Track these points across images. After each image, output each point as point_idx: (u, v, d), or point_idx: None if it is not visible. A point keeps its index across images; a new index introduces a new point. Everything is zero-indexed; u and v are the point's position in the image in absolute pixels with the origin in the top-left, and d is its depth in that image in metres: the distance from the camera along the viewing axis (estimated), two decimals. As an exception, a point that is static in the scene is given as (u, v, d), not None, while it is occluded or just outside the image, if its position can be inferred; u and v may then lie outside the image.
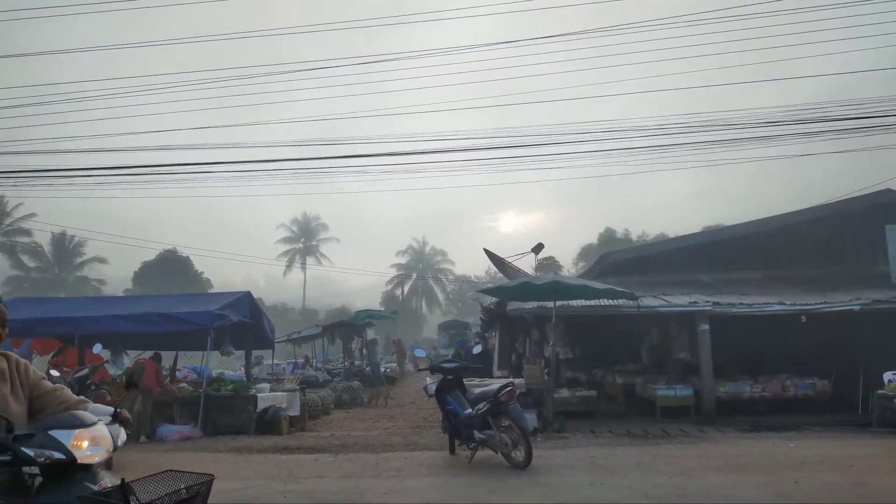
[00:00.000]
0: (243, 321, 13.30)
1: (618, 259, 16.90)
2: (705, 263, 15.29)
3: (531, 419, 10.25)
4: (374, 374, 20.82)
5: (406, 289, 63.00)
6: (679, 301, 12.26)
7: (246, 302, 13.72)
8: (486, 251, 17.18)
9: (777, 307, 11.69)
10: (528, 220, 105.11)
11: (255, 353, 18.06)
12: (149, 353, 12.67)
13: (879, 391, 10.37)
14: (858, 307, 11.38)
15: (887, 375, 10.60)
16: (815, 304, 11.61)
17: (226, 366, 24.81)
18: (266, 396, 12.11)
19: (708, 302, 11.94)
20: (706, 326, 11.75)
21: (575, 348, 15.42)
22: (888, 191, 14.68)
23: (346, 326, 22.65)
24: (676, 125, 14.55)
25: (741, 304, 11.90)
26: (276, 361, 21.19)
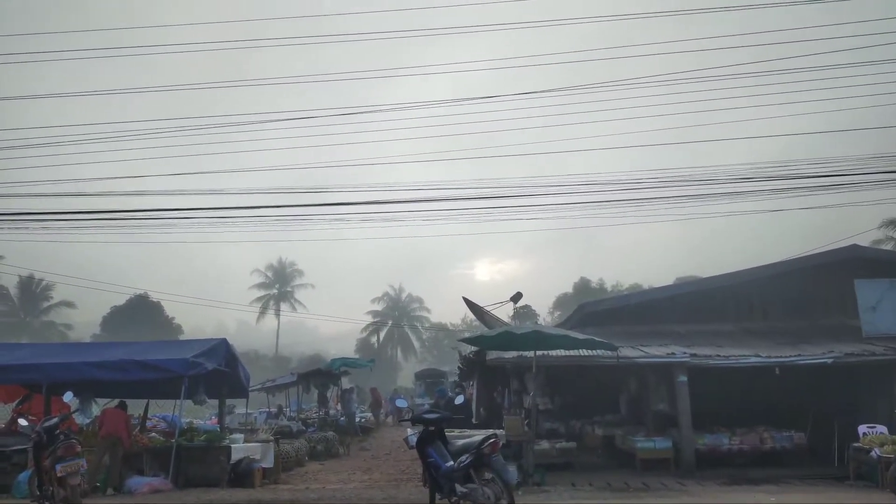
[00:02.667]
0: (218, 369, 13.04)
1: (596, 309, 17.03)
2: (681, 315, 15.48)
3: (511, 473, 10.14)
4: (349, 424, 20.46)
5: (381, 336, 62.45)
6: (657, 352, 12.37)
7: (221, 349, 13.47)
8: (466, 300, 17.22)
9: (753, 359, 11.86)
10: (503, 269, 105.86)
11: (227, 402, 17.64)
12: (115, 402, 12.31)
13: (855, 444, 10.49)
14: (831, 360, 11.60)
15: (862, 429, 10.75)
16: (790, 356, 11.81)
17: (195, 414, 24.12)
18: (240, 447, 11.79)
19: (686, 353, 12.07)
20: (684, 378, 11.85)
21: (554, 399, 15.33)
22: (855, 246, 15.16)
23: (321, 375, 22.29)
24: (651, 179, 14.95)
25: (718, 355, 12.05)
26: (248, 410, 20.70)
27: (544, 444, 12.19)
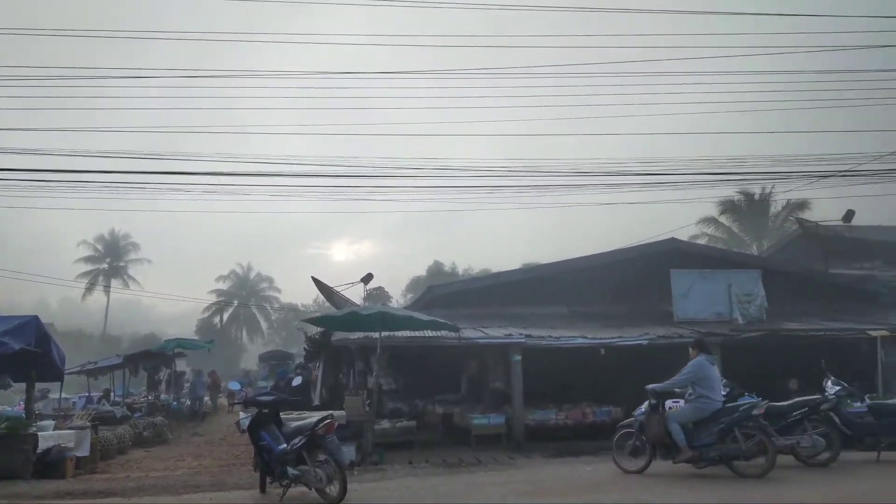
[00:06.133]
0: (27, 349, 11.67)
1: (443, 292, 17.43)
2: (521, 298, 16.27)
3: (349, 452, 10.10)
4: (193, 408, 19.50)
5: (225, 317, 59.45)
6: (496, 333, 12.92)
7: (31, 327, 12.03)
8: (314, 279, 16.84)
9: (580, 340, 12.76)
10: (361, 249, 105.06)
11: (40, 386, 15.92)
12: None
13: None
14: (647, 341, 12.78)
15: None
16: (612, 338, 12.83)
17: (4, 400, 21.55)
18: (49, 435, 10.66)
19: (521, 334, 12.71)
20: (519, 357, 12.48)
21: (398, 379, 15.53)
22: (673, 239, 16.79)
23: (152, 357, 20.80)
24: (502, 168, 15.48)
25: (550, 336, 12.82)
26: (65, 395, 18.82)
27: (385, 424, 12.29)
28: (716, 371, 8.83)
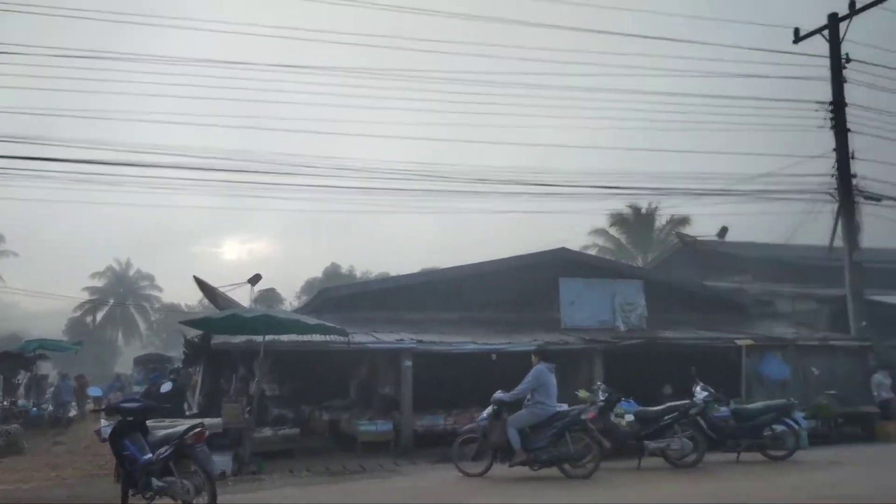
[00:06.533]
0: None
1: (336, 295, 17.02)
2: (416, 303, 16.17)
3: (224, 462, 9.59)
4: (59, 415, 17.94)
5: (100, 316, 55.36)
6: (387, 338, 12.74)
7: None
8: (196, 279, 15.94)
9: (471, 346, 12.83)
10: (254, 249, 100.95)
11: None
12: None
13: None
14: (534, 347, 12.99)
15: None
16: (502, 343, 13.00)
17: None
18: None
19: (413, 340, 12.61)
20: (409, 363, 12.37)
21: (283, 385, 14.98)
22: (563, 249, 17.28)
23: (10, 358, 18.92)
24: (401, 171, 15.35)
25: (442, 342, 12.80)
26: None
27: (267, 432, 11.77)
28: (553, 378, 9.26)
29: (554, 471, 8.96)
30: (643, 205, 35.15)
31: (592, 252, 34.46)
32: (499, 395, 9.27)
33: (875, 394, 14.19)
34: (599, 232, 36.86)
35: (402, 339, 12.61)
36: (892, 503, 7.47)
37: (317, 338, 12.06)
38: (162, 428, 8.07)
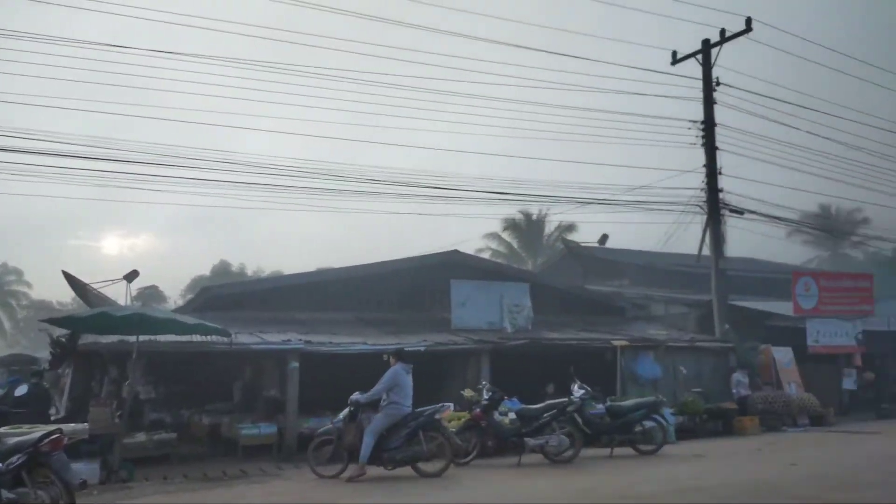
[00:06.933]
0: None
1: (221, 293, 16.41)
2: (305, 303, 15.88)
3: (91, 470, 9.00)
4: None
5: (-46, 313, 50.19)
6: (273, 339, 12.42)
7: None
8: (65, 274, 14.84)
9: (361, 346, 12.76)
10: (136, 244, 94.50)
11: None
12: None
13: (432, 421, 12.00)
14: (424, 347, 13.16)
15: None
16: (392, 344, 12.97)
17: None
18: None
19: (300, 340, 12.36)
20: (296, 364, 12.11)
21: (159, 388, 14.20)
22: (456, 251, 17.57)
23: None
24: (292, 168, 14.98)
25: (330, 342, 12.64)
26: None
27: (140, 437, 11.11)
28: (409, 379, 9.44)
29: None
30: (534, 211, 36.39)
31: (486, 255, 35.26)
32: (356, 396, 9.33)
33: (734, 391, 15.45)
34: (493, 236, 37.77)
35: (288, 340, 12.34)
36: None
37: (197, 338, 11.54)
38: (17, 435, 7.45)
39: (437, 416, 9.33)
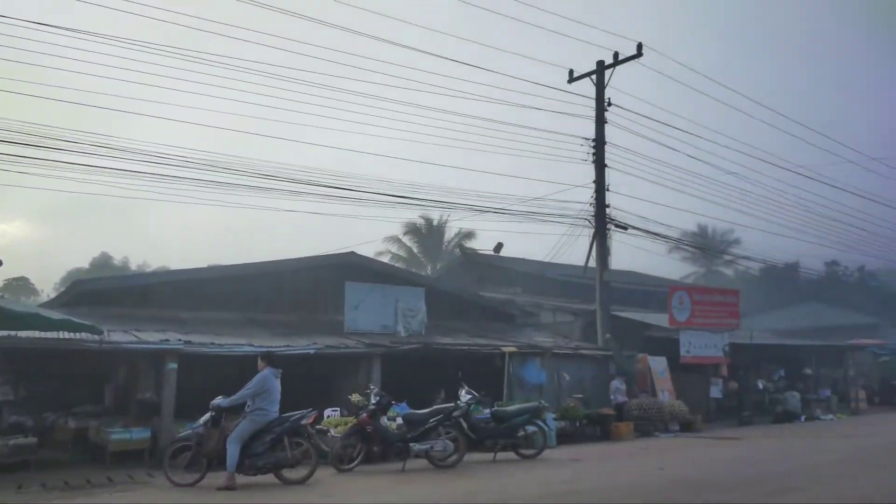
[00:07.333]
0: None
1: (94, 288, 15.36)
2: (189, 302, 15.15)
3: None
4: None
5: None
6: (150, 338, 11.74)
7: None
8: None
9: (247, 348, 12.29)
10: (9, 231, 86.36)
11: None
12: None
13: (317, 426, 11.76)
14: (314, 350, 12.90)
15: (327, 412, 12.17)
16: (280, 346, 12.64)
17: None
18: None
19: (180, 340, 11.76)
20: (174, 365, 11.52)
21: (20, 388, 13.03)
22: (352, 253, 17.38)
23: None
24: (179, 157, 14.23)
25: (213, 343, 12.10)
26: None
27: (-8, 442, 10.15)
28: (278, 384, 9.25)
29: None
30: (435, 217, 36.73)
31: (386, 258, 35.18)
32: (218, 400, 9.01)
33: (612, 397, 16.26)
34: (393, 239, 37.74)
35: (167, 340, 11.70)
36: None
37: (65, 335, 10.73)
38: None
39: (303, 422, 9.09)
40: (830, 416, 19.95)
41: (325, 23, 17.21)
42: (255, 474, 8.84)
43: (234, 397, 8.97)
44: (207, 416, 9.02)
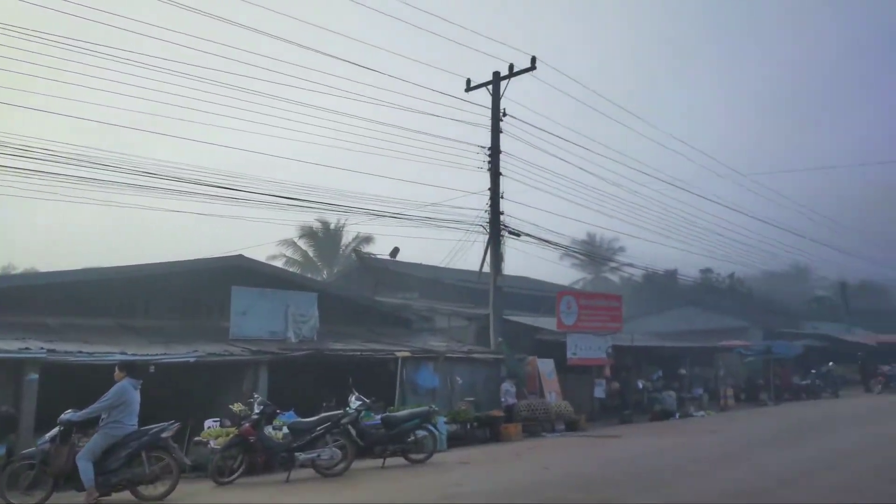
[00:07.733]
0: None
1: (-56, 291, 13.81)
2: (60, 307, 13.97)
3: None
4: None
5: None
6: (7, 346, 10.72)
7: None
8: None
9: (118, 356, 11.44)
10: None
11: None
12: None
13: (197, 437, 11.20)
14: (194, 358, 12.26)
15: (208, 423, 11.59)
16: (157, 354, 11.93)
17: None
18: None
19: (42, 349, 10.82)
20: (35, 376, 10.59)
21: None
22: (240, 256, 16.70)
23: None
24: (54, 153, 13.12)
25: (81, 352, 11.23)
26: None
27: None
28: (138, 396, 8.76)
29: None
30: (332, 220, 36.09)
31: (280, 262, 34.17)
32: (67, 415, 8.38)
33: (503, 400, 16.60)
34: (288, 243, 36.71)
35: (27, 348, 10.73)
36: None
37: None
38: None
39: (164, 435, 8.54)
40: (702, 413, 21.37)
41: (221, 18, 16.44)
42: (109, 493, 8.25)
43: (86, 410, 8.32)
44: (55, 431, 8.32)
